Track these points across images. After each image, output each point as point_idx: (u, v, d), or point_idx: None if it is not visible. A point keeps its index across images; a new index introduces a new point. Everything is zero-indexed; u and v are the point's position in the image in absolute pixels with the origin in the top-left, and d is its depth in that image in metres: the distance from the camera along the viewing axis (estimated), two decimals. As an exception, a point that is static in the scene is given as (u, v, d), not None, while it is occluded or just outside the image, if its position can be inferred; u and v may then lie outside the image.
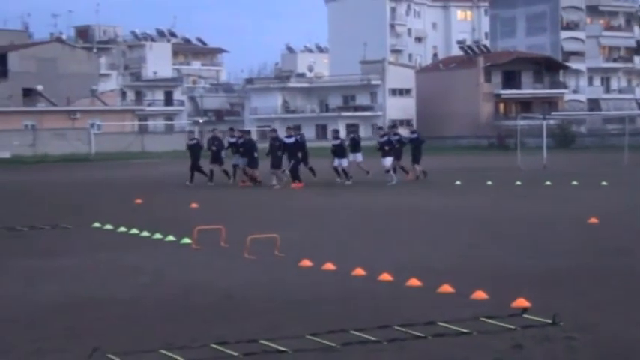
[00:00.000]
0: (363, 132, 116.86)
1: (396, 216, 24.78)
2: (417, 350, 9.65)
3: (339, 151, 37.60)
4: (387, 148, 36.62)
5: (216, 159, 38.46)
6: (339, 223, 23.33)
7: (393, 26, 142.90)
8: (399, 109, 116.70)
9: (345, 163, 37.48)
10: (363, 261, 15.34)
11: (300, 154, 36.41)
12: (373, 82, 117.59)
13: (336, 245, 18.50)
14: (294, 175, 36.11)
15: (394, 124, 45.89)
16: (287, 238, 18.15)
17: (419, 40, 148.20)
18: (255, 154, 37.17)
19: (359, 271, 14.50)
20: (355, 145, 38.81)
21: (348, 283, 13.88)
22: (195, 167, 38.37)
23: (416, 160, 39.29)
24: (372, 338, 10.10)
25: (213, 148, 38.43)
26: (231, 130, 40.65)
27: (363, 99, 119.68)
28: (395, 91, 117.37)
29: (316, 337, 10.17)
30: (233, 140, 38.13)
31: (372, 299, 12.55)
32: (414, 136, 40.66)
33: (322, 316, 11.43)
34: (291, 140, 36.55)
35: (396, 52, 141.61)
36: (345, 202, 29.80)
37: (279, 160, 36.40)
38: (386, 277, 13.97)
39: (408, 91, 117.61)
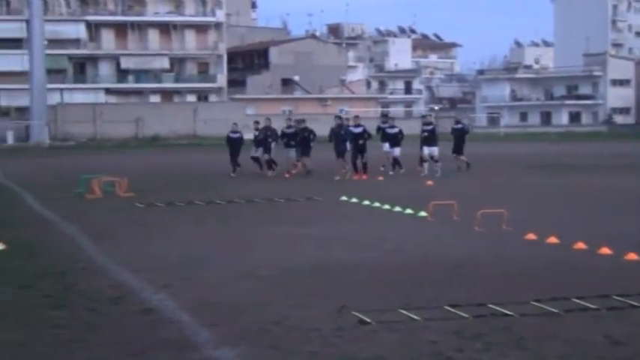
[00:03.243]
0: (585, 119, 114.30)
1: (611, 195, 24.02)
2: (635, 319, 9.31)
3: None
4: (427, 135, 32.57)
5: (266, 148, 34.08)
6: (556, 200, 22.85)
7: (614, 22, 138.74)
8: (618, 98, 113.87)
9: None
10: (583, 236, 14.94)
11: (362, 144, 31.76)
12: (595, 74, 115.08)
13: (558, 221, 18.08)
14: (356, 166, 32.06)
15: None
16: (513, 213, 17.89)
17: (638, 34, 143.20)
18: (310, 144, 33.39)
19: (580, 245, 14.14)
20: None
21: (570, 255, 13.55)
22: (233, 158, 34.82)
23: (458, 150, 35.14)
24: (592, 306, 9.80)
25: (261, 137, 34.14)
26: (289, 119, 35.88)
27: (585, 89, 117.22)
28: (615, 82, 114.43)
29: (540, 303, 9.96)
30: (290, 131, 33.84)
31: (592, 270, 12.21)
32: (458, 126, 36.14)
33: (545, 284, 11.18)
34: (359, 130, 31.95)
35: (616, 45, 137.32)
36: (561, 182, 29.13)
37: (343, 149, 31.75)
38: (605, 251, 13.57)
39: (627, 82, 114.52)
